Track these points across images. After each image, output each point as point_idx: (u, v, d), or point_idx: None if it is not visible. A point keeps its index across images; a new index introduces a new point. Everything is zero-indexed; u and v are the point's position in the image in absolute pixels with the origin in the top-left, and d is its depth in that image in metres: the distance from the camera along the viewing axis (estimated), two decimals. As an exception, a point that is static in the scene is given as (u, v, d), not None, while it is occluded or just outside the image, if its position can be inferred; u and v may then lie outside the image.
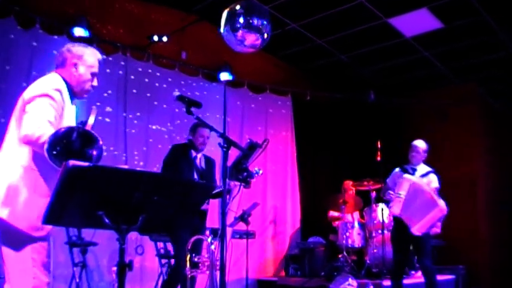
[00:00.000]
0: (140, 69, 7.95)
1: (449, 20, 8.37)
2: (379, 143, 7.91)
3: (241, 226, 7.20)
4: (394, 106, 11.14)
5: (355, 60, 10.24)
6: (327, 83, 11.15)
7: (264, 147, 4.96)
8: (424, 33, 8.84)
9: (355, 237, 8.67)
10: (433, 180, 6.63)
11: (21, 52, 6.57)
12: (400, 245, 6.64)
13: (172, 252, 6.62)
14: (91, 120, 2.93)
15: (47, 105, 3.10)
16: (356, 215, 9.28)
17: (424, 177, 6.61)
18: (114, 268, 2.69)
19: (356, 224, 8.78)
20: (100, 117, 7.08)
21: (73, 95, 3.42)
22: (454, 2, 7.76)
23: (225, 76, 8.80)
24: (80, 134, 2.84)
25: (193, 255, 5.07)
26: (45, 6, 6.95)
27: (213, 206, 6.18)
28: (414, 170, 6.68)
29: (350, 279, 7.18)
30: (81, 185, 2.46)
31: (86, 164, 2.45)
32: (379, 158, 7.91)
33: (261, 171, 5.93)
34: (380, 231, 8.18)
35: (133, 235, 3.16)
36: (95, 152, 2.87)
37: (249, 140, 4.98)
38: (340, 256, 8.35)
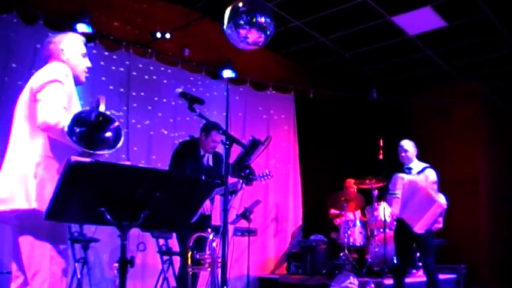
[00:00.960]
0: (143, 66, 7.96)
1: (453, 19, 8.35)
2: (381, 141, 7.90)
3: (243, 223, 7.20)
4: (396, 104, 11.12)
5: (358, 58, 10.22)
6: (329, 81, 11.14)
7: (266, 144, 4.96)
8: (427, 31, 8.82)
9: (356, 236, 8.67)
10: (430, 175, 6.60)
11: (24, 48, 6.57)
12: (403, 244, 6.63)
13: (173, 249, 6.62)
14: (102, 107, 2.94)
15: (59, 91, 3.14)
16: (358, 213, 9.28)
17: (420, 174, 6.60)
18: (116, 264, 2.69)
19: (358, 222, 8.78)
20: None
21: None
22: (458, 1, 7.74)
23: (227, 73, 8.79)
24: (98, 116, 2.89)
25: (195, 252, 5.07)
26: (49, 2, 6.95)
27: (215, 203, 6.17)
28: (410, 169, 6.67)
29: (351, 278, 7.18)
30: (84, 180, 2.46)
31: (88, 159, 2.44)
32: (381, 156, 7.90)
33: (271, 174, 5.92)
34: (381, 230, 8.17)
35: (135, 232, 3.16)
36: (110, 134, 2.93)
37: (251, 138, 4.97)
38: (341, 254, 8.34)
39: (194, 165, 5.94)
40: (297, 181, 10.20)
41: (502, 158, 11.61)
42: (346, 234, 8.56)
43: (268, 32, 4.82)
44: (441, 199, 6.25)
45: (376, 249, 8.33)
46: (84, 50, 3.53)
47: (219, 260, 4.58)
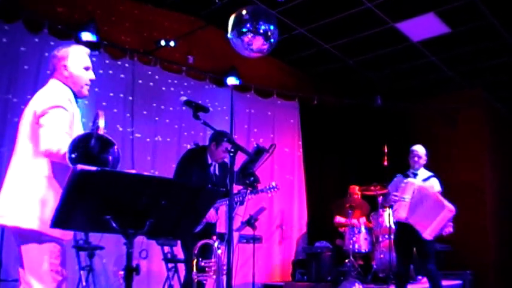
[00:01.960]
0: (147, 74, 7.98)
1: (457, 25, 8.36)
2: (385, 147, 7.90)
3: (248, 231, 7.19)
4: (400, 111, 11.13)
5: (362, 64, 10.24)
6: (334, 88, 11.15)
7: (271, 152, 4.96)
8: (431, 37, 8.84)
9: (361, 242, 8.66)
10: (435, 184, 6.65)
11: (30, 56, 6.61)
12: (403, 249, 6.64)
13: (178, 257, 6.62)
14: (101, 123, 2.96)
15: (61, 117, 3.18)
16: (363, 219, 9.27)
17: (426, 182, 6.61)
18: (121, 272, 2.70)
19: (363, 229, 8.77)
20: (110, 126, 7.12)
21: (75, 96, 3.47)
22: (461, 7, 7.76)
23: (232, 81, 8.80)
24: (97, 139, 2.90)
25: (200, 259, 5.07)
26: (54, 10, 6.99)
27: (220, 211, 6.17)
28: (415, 174, 6.68)
29: (356, 284, 7.17)
30: (89, 189, 2.47)
31: (94, 168, 2.46)
32: (385, 163, 7.90)
33: (277, 188, 5.89)
34: (387, 236, 8.16)
35: (138, 239, 3.16)
36: (110, 157, 2.95)
37: (255, 145, 4.98)
38: (346, 261, 8.33)
39: (201, 173, 5.90)
40: (301, 188, 10.21)
41: (506, 164, 11.59)
42: (351, 241, 8.55)
43: (272, 40, 4.82)
44: (450, 205, 6.26)
45: (382, 256, 8.32)
46: (87, 63, 3.53)
47: (224, 268, 4.58)
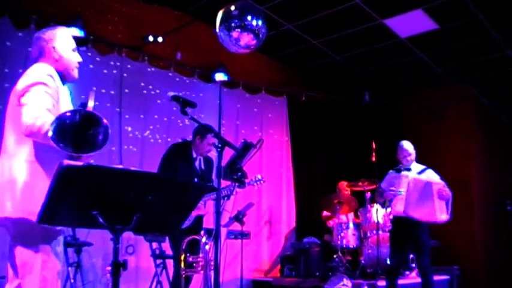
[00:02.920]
0: (135, 69, 7.95)
1: (444, 21, 8.39)
2: (373, 143, 7.92)
3: (236, 226, 7.21)
4: (388, 107, 11.16)
5: (350, 61, 10.25)
6: (322, 84, 11.17)
7: (258, 147, 4.97)
8: (419, 34, 8.87)
9: (350, 238, 8.69)
10: (432, 175, 6.68)
11: (16, 52, 6.56)
12: (399, 245, 6.66)
13: (166, 253, 6.62)
14: (91, 103, 2.85)
15: (42, 93, 3.05)
16: (351, 215, 9.30)
17: (421, 174, 6.65)
18: (109, 268, 2.69)
19: (351, 225, 8.80)
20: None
21: (63, 79, 3.38)
22: (449, 3, 7.79)
23: (220, 77, 8.79)
24: (83, 116, 2.75)
25: (188, 255, 5.07)
26: (40, 6, 6.94)
27: (207, 206, 6.17)
28: (409, 169, 6.72)
29: (345, 280, 7.19)
30: (76, 184, 2.45)
31: (81, 163, 2.44)
32: (374, 159, 7.91)
33: (263, 180, 5.92)
34: (375, 232, 8.19)
35: (125, 235, 3.16)
36: (100, 136, 2.79)
37: (243, 140, 4.98)
38: (335, 256, 8.35)
39: (187, 168, 5.92)
40: (289, 184, 10.22)
41: (493, 160, 11.67)
42: (339, 237, 8.58)
43: (260, 35, 4.82)
44: (437, 180, 6.39)
45: (370, 251, 8.35)
46: (74, 44, 3.47)
47: (212, 263, 4.58)
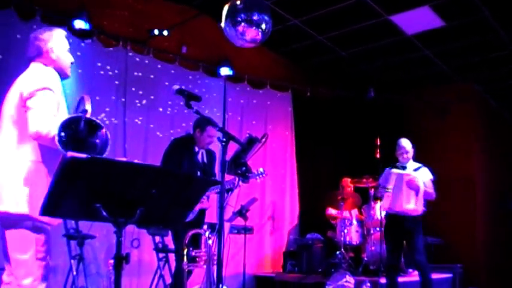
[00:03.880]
0: (140, 63, 7.94)
1: (451, 19, 8.35)
2: (378, 140, 7.90)
3: (240, 221, 7.20)
4: (393, 103, 11.14)
5: (356, 56, 10.22)
6: (327, 80, 11.13)
7: (263, 142, 4.96)
8: (425, 31, 8.82)
9: (353, 234, 8.68)
10: (427, 173, 6.71)
11: (21, 44, 6.55)
12: (393, 241, 6.69)
13: (169, 247, 6.62)
14: (89, 107, 3.00)
15: (49, 99, 3.17)
16: (354, 212, 9.29)
17: (416, 171, 6.67)
18: (111, 261, 2.69)
19: (354, 221, 8.79)
20: (103, 115, 7.15)
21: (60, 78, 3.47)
22: (457, 1, 7.74)
23: (225, 71, 8.78)
24: (86, 123, 2.89)
25: (191, 249, 5.07)
26: (46, -2, 6.94)
27: (211, 201, 6.17)
28: (404, 167, 6.74)
29: (347, 276, 7.19)
30: (79, 176, 2.45)
31: (85, 155, 2.44)
32: (378, 155, 7.90)
33: (265, 173, 5.93)
34: (378, 229, 8.18)
35: (129, 228, 3.16)
36: (98, 141, 2.92)
37: (248, 135, 4.97)
38: (337, 253, 8.34)
39: (189, 162, 5.93)
40: (293, 179, 10.21)
41: (496, 157, 11.64)
42: (342, 233, 8.56)
43: (266, 30, 4.81)
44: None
45: (373, 248, 8.34)
46: (68, 45, 3.59)
47: (215, 258, 4.58)
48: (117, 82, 7.62)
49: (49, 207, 2.53)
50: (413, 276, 7.95)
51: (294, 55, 10.31)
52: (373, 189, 8.61)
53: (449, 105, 10.78)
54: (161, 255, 6.72)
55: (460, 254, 9.67)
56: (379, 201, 8.34)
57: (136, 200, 2.67)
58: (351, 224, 8.73)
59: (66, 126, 2.84)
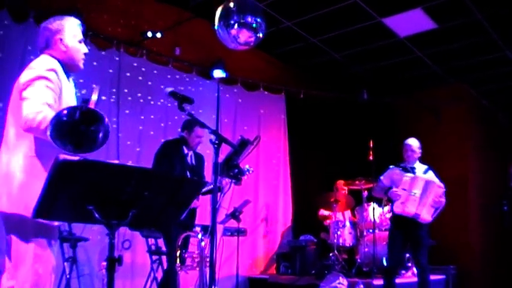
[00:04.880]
0: (134, 65, 7.94)
1: (443, 21, 8.39)
2: (371, 142, 7.93)
3: (233, 223, 7.20)
4: (386, 105, 11.17)
5: (349, 59, 10.25)
6: (320, 82, 11.16)
7: (255, 144, 4.97)
8: (417, 33, 8.86)
9: (346, 236, 8.70)
10: (432, 177, 6.71)
11: (14, 45, 6.54)
12: (398, 244, 6.63)
13: (162, 249, 6.61)
14: (94, 97, 2.82)
15: (43, 88, 3.00)
16: (347, 213, 9.31)
17: (425, 174, 6.67)
18: (104, 263, 2.69)
19: (347, 223, 8.81)
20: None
21: (68, 70, 3.33)
22: (448, 3, 7.78)
23: (218, 73, 8.77)
24: (84, 113, 2.67)
25: (184, 251, 5.08)
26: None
27: (204, 203, 6.18)
28: (413, 168, 6.71)
29: (340, 278, 7.20)
30: (72, 179, 2.45)
31: (77, 158, 2.43)
32: (371, 157, 7.92)
33: (251, 169, 5.95)
34: (371, 230, 8.20)
35: (121, 230, 3.16)
36: (101, 134, 2.72)
37: (240, 137, 4.98)
38: (331, 254, 8.36)
39: (180, 163, 5.99)
40: (286, 181, 10.21)
41: (490, 160, 11.68)
42: (335, 235, 8.58)
43: (259, 33, 4.82)
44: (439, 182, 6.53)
45: (366, 250, 8.36)
46: (81, 36, 3.44)
47: (208, 260, 4.58)
48: (110, 84, 7.61)
49: (42, 210, 2.52)
50: (408, 278, 7.99)
51: (287, 57, 10.33)
52: (366, 191, 8.64)
53: (442, 106, 10.83)
54: (154, 257, 6.71)
55: (453, 255, 9.69)
56: (372, 203, 8.37)
57: (129, 202, 2.67)
58: (344, 225, 8.76)
59: (59, 118, 2.61)
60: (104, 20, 7.70)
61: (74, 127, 2.64)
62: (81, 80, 6.84)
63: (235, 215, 6.94)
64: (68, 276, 5.96)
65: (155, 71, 8.21)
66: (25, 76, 3.07)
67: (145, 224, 3.35)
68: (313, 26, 8.88)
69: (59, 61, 3.26)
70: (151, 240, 6.75)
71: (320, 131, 10.89)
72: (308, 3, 8.14)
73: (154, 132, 8.03)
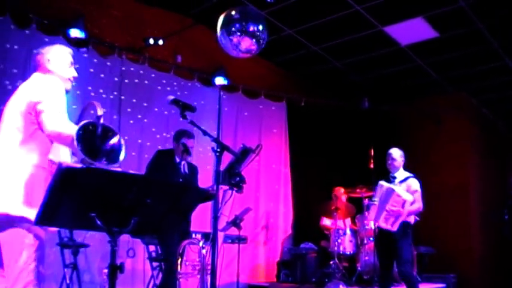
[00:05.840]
0: (135, 72, 7.94)
1: (445, 30, 8.41)
2: (372, 150, 7.93)
3: (233, 231, 7.19)
4: (387, 114, 11.17)
5: (350, 67, 10.26)
6: (321, 90, 11.17)
7: (257, 152, 4.98)
8: (419, 42, 8.88)
9: (346, 244, 8.68)
10: (412, 184, 6.64)
11: (17, 52, 6.56)
12: (383, 252, 6.66)
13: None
14: (100, 112, 3.07)
15: (60, 102, 3.27)
16: (348, 221, 9.30)
17: (402, 183, 6.64)
18: (105, 270, 2.69)
19: (348, 231, 8.80)
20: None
21: None
22: (450, 12, 7.80)
23: (220, 80, 8.80)
24: (104, 129, 3.02)
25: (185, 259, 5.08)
26: (42, 6, 6.94)
27: (205, 210, 6.19)
28: (394, 178, 6.73)
29: (341, 286, 7.20)
30: (74, 186, 2.47)
31: (79, 165, 2.45)
32: (371, 166, 7.92)
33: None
34: (372, 239, 8.19)
35: (124, 237, 3.16)
36: (114, 146, 3.05)
37: (242, 145, 5.00)
38: (331, 262, 8.35)
39: (172, 171, 6.07)
40: (287, 189, 10.21)
41: (490, 168, 11.68)
42: (336, 243, 8.57)
43: (261, 40, 4.83)
44: (406, 195, 6.36)
45: (366, 258, 8.35)
46: (71, 59, 3.66)
47: (209, 267, 4.58)
48: (112, 91, 7.62)
49: (44, 217, 2.54)
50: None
51: (288, 65, 10.34)
52: (367, 199, 8.63)
53: (443, 115, 10.84)
54: (155, 264, 6.70)
55: (453, 263, 9.68)
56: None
57: (131, 209, 2.68)
58: (344, 233, 8.74)
59: (84, 128, 2.93)
60: (106, 27, 7.71)
61: (94, 140, 2.96)
62: (89, 88, 6.88)
63: (236, 222, 6.94)
64: (68, 282, 5.96)
65: (157, 78, 8.20)
66: (39, 91, 3.28)
67: (146, 231, 3.37)
68: (314, 34, 8.90)
69: None
70: (152, 247, 6.74)
71: (321, 139, 10.90)
72: (310, 11, 8.15)
73: (155, 139, 8.03)
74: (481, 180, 11.15)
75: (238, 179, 4.79)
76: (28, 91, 3.32)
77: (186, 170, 6.29)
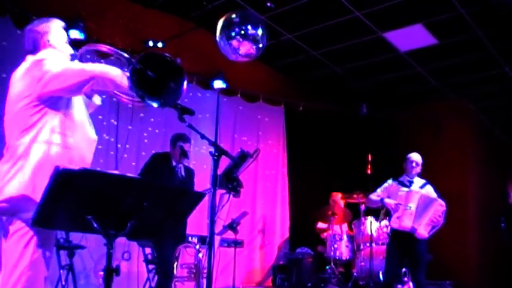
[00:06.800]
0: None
1: (444, 37, 8.41)
2: (369, 156, 7.93)
3: (230, 235, 7.19)
4: (385, 120, 11.17)
5: (349, 72, 10.26)
6: (320, 95, 11.17)
7: (255, 157, 4.97)
8: (418, 48, 8.88)
9: (343, 250, 8.69)
10: (430, 191, 6.69)
11: (17, 52, 6.55)
12: (396, 258, 6.61)
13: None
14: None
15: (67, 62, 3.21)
16: (345, 227, 9.30)
17: (422, 189, 6.65)
18: (101, 273, 2.68)
19: (344, 236, 8.80)
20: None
21: None
22: (449, 19, 7.80)
23: (218, 84, 8.79)
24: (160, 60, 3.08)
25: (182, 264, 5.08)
26: (42, 7, 6.94)
27: (202, 214, 6.18)
28: (411, 182, 6.71)
29: (336, 291, 7.19)
30: (71, 188, 2.45)
31: (77, 167, 2.44)
32: (369, 171, 7.92)
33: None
34: (368, 244, 8.19)
35: (120, 240, 3.15)
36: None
37: (240, 150, 4.99)
38: (327, 268, 8.35)
39: (168, 175, 6.08)
40: (284, 194, 10.21)
41: (489, 176, 11.67)
42: (332, 248, 8.57)
43: (260, 45, 4.82)
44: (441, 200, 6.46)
45: (362, 264, 8.35)
46: (66, 37, 3.51)
47: (205, 271, 4.57)
48: (109, 94, 7.59)
49: (40, 218, 2.52)
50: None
51: (287, 69, 10.34)
52: (363, 205, 8.63)
53: (442, 122, 10.84)
54: (151, 266, 6.69)
55: (450, 270, 9.67)
56: (369, 217, 8.35)
57: (128, 213, 2.67)
58: (341, 239, 8.74)
59: (140, 61, 2.95)
60: (105, 29, 7.71)
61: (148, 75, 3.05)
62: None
63: (232, 226, 6.94)
64: (63, 283, 5.94)
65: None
66: (47, 65, 3.11)
67: (143, 235, 3.35)
68: (314, 39, 8.90)
69: None
70: (148, 250, 6.73)
71: (319, 144, 10.89)
72: (309, 16, 8.16)
73: (153, 142, 8.02)
74: (480, 187, 11.14)
75: (235, 183, 4.78)
76: (30, 70, 3.13)
77: (183, 174, 6.29)
